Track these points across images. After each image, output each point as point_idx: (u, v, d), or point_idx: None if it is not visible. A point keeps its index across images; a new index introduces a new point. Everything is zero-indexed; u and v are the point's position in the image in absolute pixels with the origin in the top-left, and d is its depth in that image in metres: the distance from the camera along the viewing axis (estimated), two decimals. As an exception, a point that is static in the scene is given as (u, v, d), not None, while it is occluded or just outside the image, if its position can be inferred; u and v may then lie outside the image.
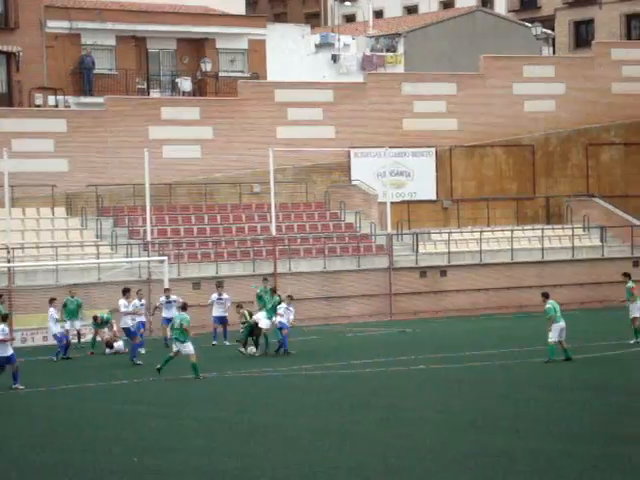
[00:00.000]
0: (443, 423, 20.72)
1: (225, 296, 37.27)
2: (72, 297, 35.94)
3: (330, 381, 27.08)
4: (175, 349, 28.14)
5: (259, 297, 33.69)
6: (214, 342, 36.34)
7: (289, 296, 33.87)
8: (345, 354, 32.38)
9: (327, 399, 24.29)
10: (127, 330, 32.92)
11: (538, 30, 64.18)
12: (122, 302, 33.53)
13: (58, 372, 31.03)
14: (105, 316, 35.85)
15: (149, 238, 42.59)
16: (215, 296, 37.43)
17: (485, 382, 26.05)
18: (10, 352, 26.91)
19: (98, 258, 41.78)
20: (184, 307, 29.16)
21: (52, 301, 34.40)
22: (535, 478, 15.91)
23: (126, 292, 34.00)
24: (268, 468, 17.08)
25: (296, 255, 44.99)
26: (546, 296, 29.22)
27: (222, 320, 37.08)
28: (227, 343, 36.16)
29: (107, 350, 35.30)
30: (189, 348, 27.86)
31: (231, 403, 24.24)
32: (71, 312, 35.46)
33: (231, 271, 43.38)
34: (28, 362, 33.69)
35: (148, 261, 41.67)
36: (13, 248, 40.31)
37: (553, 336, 28.54)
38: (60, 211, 44.74)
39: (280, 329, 32.37)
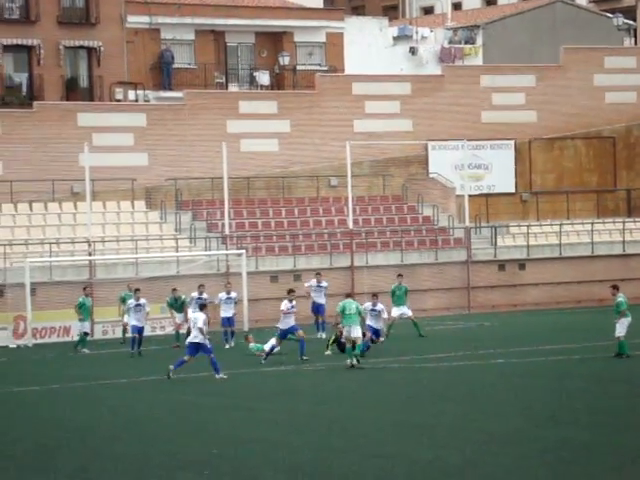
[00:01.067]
0: (521, 417, 20.54)
1: (233, 295, 35.09)
2: (129, 292, 35.53)
3: (408, 374, 27.00)
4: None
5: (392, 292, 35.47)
6: (227, 346, 34.07)
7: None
8: (423, 348, 32.26)
9: (406, 392, 24.24)
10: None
11: (619, 21, 63.21)
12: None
13: (137, 364, 31.34)
14: (183, 297, 35.74)
15: (227, 231, 42.85)
16: (224, 295, 34.91)
17: (563, 376, 25.77)
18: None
19: (177, 251, 42.14)
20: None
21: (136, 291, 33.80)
22: (616, 474, 15.70)
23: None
24: (346, 461, 17.08)
25: (373, 248, 44.94)
26: (617, 288, 28.73)
27: (230, 321, 34.68)
28: (229, 345, 34.19)
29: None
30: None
31: (310, 396, 24.29)
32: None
33: (308, 264, 43.46)
34: (109, 354, 34.16)
35: (226, 254, 41.93)
36: (94, 241, 40.83)
37: (621, 330, 28.04)
38: (140, 205, 45.20)
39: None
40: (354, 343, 28.24)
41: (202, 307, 28.41)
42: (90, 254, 40.48)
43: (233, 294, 35.08)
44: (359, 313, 28.75)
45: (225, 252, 42.06)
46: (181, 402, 24.02)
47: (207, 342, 26.96)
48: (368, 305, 31.75)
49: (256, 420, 21.35)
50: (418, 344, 33.22)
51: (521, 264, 46.34)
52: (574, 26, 61.55)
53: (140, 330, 32.94)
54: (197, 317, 27.31)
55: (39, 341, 37.95)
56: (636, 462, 16.46)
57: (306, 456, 17.54)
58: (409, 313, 36.07)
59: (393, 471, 16.28)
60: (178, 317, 35.81)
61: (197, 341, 26.90)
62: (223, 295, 34.93)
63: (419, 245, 45.81)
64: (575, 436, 18.49)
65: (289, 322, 29.79)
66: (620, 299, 28.33)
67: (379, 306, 31.93)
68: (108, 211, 44.22)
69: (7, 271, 39.17)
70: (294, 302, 30.14)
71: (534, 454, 17.13)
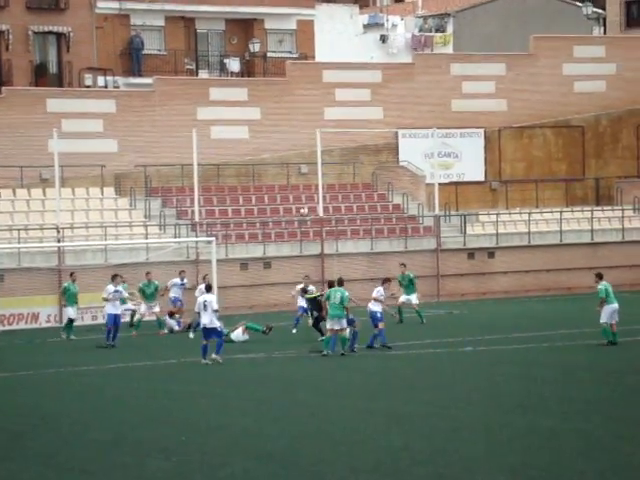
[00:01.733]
0: (490, 405, 20.64)
1: (186, 281, 36.48)
2: (148, 282, 35.95)
3: (377, 362, 27.07)
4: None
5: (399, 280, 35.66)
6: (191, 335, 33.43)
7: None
8: (393, 336, 32.34)
9: (374, 380, 24.29)
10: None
11: (589, 10, 63.40)
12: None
13: (106, 351, 31.24)
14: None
15: (197, 219, 42.75)
16: (177, 281, 36.20)
17: (532, 364, 25.91)
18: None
19: (146, 238, 42.00)
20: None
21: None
22: (584, 459, 15.81)
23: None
24: (315, 449, 17.11)
25: (343, 236, 44.97)
26: (600, 277, 28.99)
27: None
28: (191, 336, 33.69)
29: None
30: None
31: (280, 383, 24.30)
32: (149, 296, 35.72)
33: (278, 252, 43.45)
34: (78, 340, 34.02)
35: (196, 242, 41.85)
36: (63, 228, 40.63)
37: (603, 317, 28.31)
38: (109, 191, 45.01)
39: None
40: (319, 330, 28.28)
41: (209, 288, 28.19)
42: (59, 241, 40.28)
43: (186, 280, 36.25)
44: (343, 302, 27.78)
45: (195, 239, 41.97)
46: (150, 389, 23.98)
47: (221, 325, 27.58)
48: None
49: (225, 407, 21.35)
50: (387, 332, 33.28)
51: (490, 252, 46.51)
52: (544, 15, 61.74)
53: (116, 319, 31.85)
54: (210, 299, 27.06)
55: (7, 328, 37.74)
56: (604, 448, 16.59)
57: (276, 443, 17.56)
58: (414, 301, 36.24)
59: (363, 458, 16.32)
60: (144, 305, 35.83)
61: (214, 326, 26.86)
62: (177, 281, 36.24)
63: (389, 233, 45.89)
64: (543, 423, 18.60)
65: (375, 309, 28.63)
66: (600, 287, 28.62)
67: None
68: (77, 197, 43.99)
69: (-25, 257, 38.92)
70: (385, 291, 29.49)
71: (503, 441, 17.22)
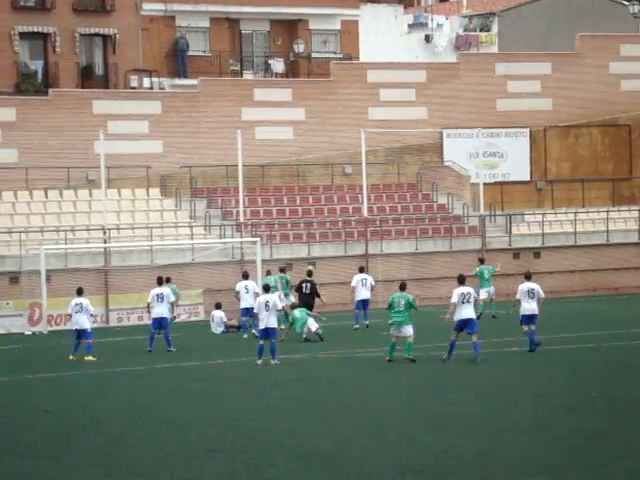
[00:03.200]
0: (536, 406, 20.52)
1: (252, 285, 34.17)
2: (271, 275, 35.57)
3: (423, 362, 26.96)
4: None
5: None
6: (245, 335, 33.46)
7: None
8: (436, 337, 32.22)
9: (421, 380, 24.23)
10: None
11: (635, 8, 62.82)
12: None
13: (155, 352, 31.39)
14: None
15: (242, 219, 42.88)
16: (242, 285, 33.83)
17: (580, 365, 25.73)
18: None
19: (192, 239, 42.19)
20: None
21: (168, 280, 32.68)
22: (631, 460, 15.68)
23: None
24: (360, 450, 17.09)
25: (387, 236, 44.91)
26: None
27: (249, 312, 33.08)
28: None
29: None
30: None
31: (325, 384, 24.30)
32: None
33: (323, 252, 43.47)
34: (125, 341, 34.23)
35: (241, 242, 41.97)
36: (109, 229, 40.92)
37: None
38: (155, 192, 45.25)
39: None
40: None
41: (267, 289, 27.60)
42: (105, 241, 40.57)
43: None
44: (410, 307, 26.55)
45: (240, 240, 42.10)
46: (197, 390, 24.07)
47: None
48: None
49: (271, 408, 21.38)
50: (429, 333, 33.16)
51: (536, 252, 46.26)
52: (590, 13, 61.29)
53: (160, 324, 30.44)
54: (274, 300, 26.83)
55: (54, 328, 38.05)
56: (651, 451, 16.44)
57: (320, 444, 17.56)
58: (483, 296, 36.42)
59: (408, 460, 16.29)
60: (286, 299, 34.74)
61: (272, 326, 26.66)
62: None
63: (434, 233, 45.77)
64: (590, 425, 18.46)
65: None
66: None
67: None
68: (123, 199, 44.28)
69: (22, 258, 39.29)
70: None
71: (549, 443, 17.12)
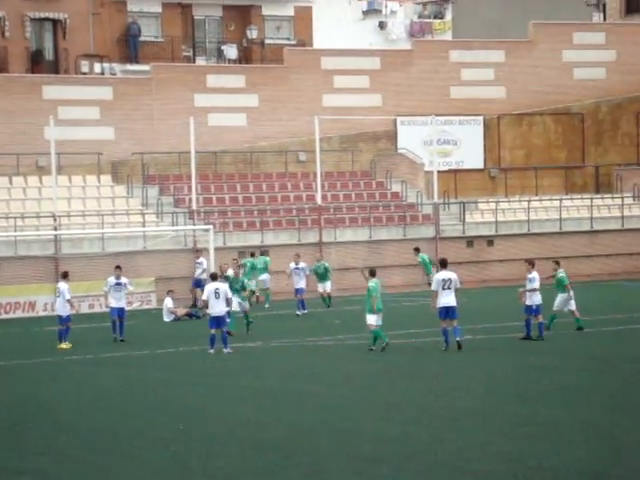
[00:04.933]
0: (488, 394, 20.49)
1: (302, 265, 37.20)
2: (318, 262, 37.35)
3: (375, 351, 26.88)
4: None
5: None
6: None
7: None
8: (390, 324, 32.16)
9: (372, 369, 24.15)
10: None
11: (588, -4, 63.18)
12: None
13: (106, 340, 31.08)
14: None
15: (194, 206, 42.57)
16: (292, 265, 36.98)
17: (530, 353, 25.76)
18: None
19: (144, 226, 41.82)
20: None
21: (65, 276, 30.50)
22: (583, 448, 15.66)
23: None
24: (313, 438, 16.96)
25: (341, 224, 44.80)
26: (557, 264, 29.03)
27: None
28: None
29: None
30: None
31: (277, 373, 24.15)
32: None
33: (276, 240, 43.29)
34: (76, 329, 33.85)
35: (193, 230, 41.67)
36: (60, 216, 40.45)
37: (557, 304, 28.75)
38: (106, 179, 44.82)
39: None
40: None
41: (214, 277, 27.50)
42: (56, 229, 40.11)
43: (302, 264, 36.77)
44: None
45: (192, 227, 41.81)
46: (148, 378, 23.83)
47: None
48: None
49: (223, 397, 21.21)
50: (386, 321, 33.12)
51: (489, 240, 46.36)
52: (544, 1, 61.51)
53: (120, 312, 30.13)
54: (224, 288, 26.59)
55: (4, 316, 37.58)
56: (601, 437, 16.44)
57: (274, 433, 17.42)
58: (328, 289, 37.67)
59: (361, 448, 16.18)
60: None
61: (222, 314, 26.48)
62: (292, 265, 36.84)
63: (387, 221, 45.72)
64: (542, 412, 18.45)
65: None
66: (562, 274, 28.61)
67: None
68: (74, 185, 43.81)
69: (-29, 246, 38.75)
70: None
71: (502, 430, 17.07)
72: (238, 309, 30.27)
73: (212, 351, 26.60)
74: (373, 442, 16.52)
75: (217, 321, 26.55)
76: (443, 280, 25.66)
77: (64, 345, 28.53)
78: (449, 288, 25.62)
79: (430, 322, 32.11)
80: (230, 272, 32.32)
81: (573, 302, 29.05)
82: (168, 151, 45.64)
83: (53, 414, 19.68)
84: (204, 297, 27.17)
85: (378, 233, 45.06)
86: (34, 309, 38.12)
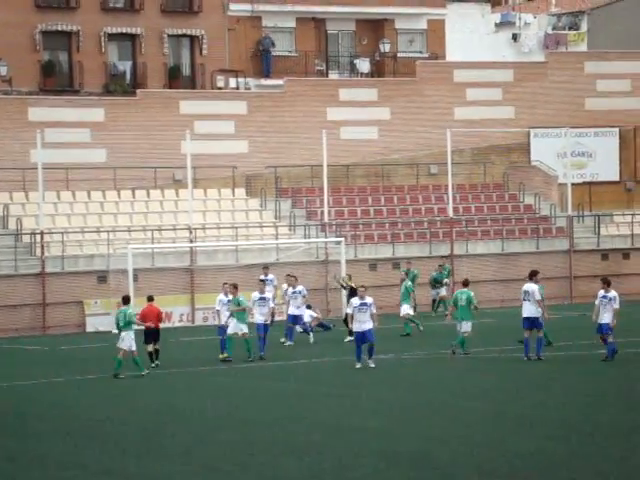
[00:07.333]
0: (630, 408, 20.12)
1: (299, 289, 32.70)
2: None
3: (507, 364, 26.68)
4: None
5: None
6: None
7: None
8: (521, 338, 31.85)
9: (505, 382, 23.95)
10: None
11: None
12: None
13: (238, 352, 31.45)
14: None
15: (326, 219, 42.85)
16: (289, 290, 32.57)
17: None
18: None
19: (276, 239, 42.28)
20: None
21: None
22: None
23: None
24: (447, 451, 16.92)
25: (473, 237, 44.54)
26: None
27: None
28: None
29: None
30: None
31: (410, 384, 24.15)
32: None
33: (407, 252, 43.23)
34: (210, 340, 34.39)
35: (325, 242, 41.95)
36: (195, 228, 41.18)
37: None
38: (240, 192, 45.45)
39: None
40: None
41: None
42: (191, 241, 40.85)
43: (299, 287, 32.71)
44: (470, 303, 27.46)
45: (324, 240, 42.08)
46: (283, 389, 24.07)
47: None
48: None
49: (356, 408, 21.28)
50: (516, 335, 32.83)
51: (625, 253, 45.52)
52: (683, 10, 60.10)
53: (266, 329, 28.95)
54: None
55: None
56: None
57: (407, 445, 17.42)
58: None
59: (495, 462, 16.07)
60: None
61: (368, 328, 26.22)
62: (290, 290, 32.83)
63: (520, 234, 45.29)
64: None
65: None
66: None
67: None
68: (209, 198, 44.53)
69: (110, 257, 39.70)
70: None
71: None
72: (308, 319, 32.03)
73: (359, 365, 26.30)
74: (507, 458, 16.39)
75: (362, 336, 26.19)
76: (524, 292, 26.81)
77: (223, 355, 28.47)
78: (528, 300, 26.71)
79: (563, 336, 31.70)
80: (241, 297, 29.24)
81: None
82: (301, 164, 46.06)
83: (189, 424, 19.99)
84: (348, 311, 26.99)
85: (511, 246, 44.64)
86: (170, 319, 38.79)
